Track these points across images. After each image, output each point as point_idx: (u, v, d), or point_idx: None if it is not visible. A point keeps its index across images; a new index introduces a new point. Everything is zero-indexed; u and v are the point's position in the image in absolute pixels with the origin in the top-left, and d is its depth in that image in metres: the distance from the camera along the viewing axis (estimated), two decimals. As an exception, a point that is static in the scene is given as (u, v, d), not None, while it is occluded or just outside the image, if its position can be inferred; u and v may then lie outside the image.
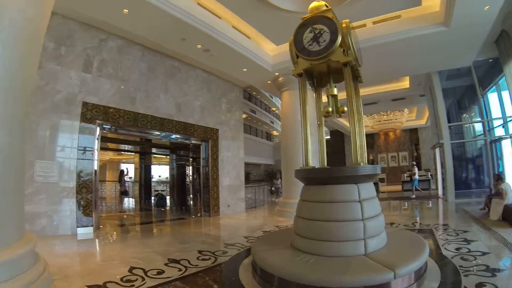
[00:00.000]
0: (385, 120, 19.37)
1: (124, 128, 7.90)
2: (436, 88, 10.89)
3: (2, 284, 2.25)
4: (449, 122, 11.15)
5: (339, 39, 4.11)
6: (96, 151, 7.03)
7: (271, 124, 25.50)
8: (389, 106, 16.72)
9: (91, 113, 7.02)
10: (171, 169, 12.05)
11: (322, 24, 4.33)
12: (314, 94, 5.26)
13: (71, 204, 6.45)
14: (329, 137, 25.42)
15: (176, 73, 9.34)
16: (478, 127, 11.70)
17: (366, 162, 4.37)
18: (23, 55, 2.92)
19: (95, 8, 6.42)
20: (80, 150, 6.72)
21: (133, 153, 13.77)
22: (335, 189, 3.70)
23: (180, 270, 3.97)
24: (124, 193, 10.97)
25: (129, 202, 12.48)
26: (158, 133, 8.89)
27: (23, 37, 2.87)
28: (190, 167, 11.03)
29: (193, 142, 10.09)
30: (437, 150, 12.83)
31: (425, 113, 18.65)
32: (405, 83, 13.37)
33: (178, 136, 9.41)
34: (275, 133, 27.45)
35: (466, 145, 11.87)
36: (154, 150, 12.94)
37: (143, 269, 3.97)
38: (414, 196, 13.23)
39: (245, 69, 9.81)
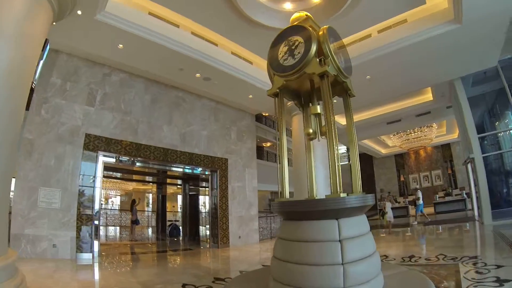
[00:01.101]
0: (414, 138, 17.79)
1: (126, 158, 7.81)
2: (460, 96, 9.49)
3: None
4: (482, 132, 9.63)
5: (313, 48, 3.57)
6: (98, 180, 6.99)
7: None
8: (414, 123, 15.16)
9: (93, 144, 7.03)
10: (183, 200, 11.81)
11: (297, 35, 3.85)
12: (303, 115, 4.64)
13: (71, 230, 6.39)
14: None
15: (181, 103, 9.21)
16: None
17: (361, 190, 3.63)
18: (14, 88, 3.48)
19: (93, 45, 6.57)
20: (81, 179, 6.71)
21: (151, 183, 13.79)
22: (309, 225, 2.99)
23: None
24: (135, 222, 10.82)
25: (147, 232, 12.30)
26: (161, 163, 8.70)
27: (12, 72, 3.43)
28: (200, 198, 10.67)
29: (201, 172, 9.78)
30: (469, 166, 11.22)
31: (455, 126, 16.84)
32: (428, 96, 11.97)
33: (181, 166, 9.16)
34: None
35: (504, 156, 10.05)
36: (168, 180, 12.84)
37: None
38: (416, 222, 12.04)
39: (250, 96, 9.48)
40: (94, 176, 6.92)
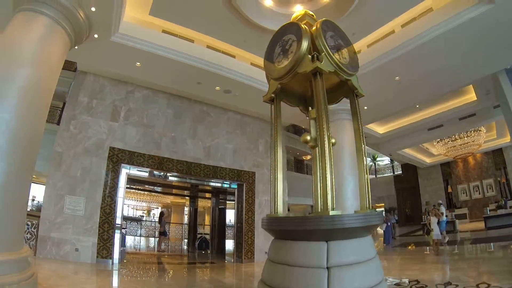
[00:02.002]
0: (460, 145, 15.70)
1: (148, 171, 7.91)
2: (507, 92, 7.91)
3: (7, 276, 3.21)
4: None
5: (304, 44, 3.13)
6: (120, 191, 7.19)
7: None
8: (458, 127, 13.14)
9: (117, 157, 7.22)
10: (212, 213, 11.69)
11: (290, 33, 3.46)
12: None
13: (93, 236, 6.59)
14: (400, 172, 22.04)
15: (206, 117, 9.14)
16: None
17: (370, 206, 3.03)
18: (33, 110, 3.95)
19: (114, 64, 6.81)
20: (105, 189, 6.93)
21: (186, 197, 13.96)
22: (294, 247, 2.51)
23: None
24: (162, 234, 10.91)
25: (180, 244, 12.35)
26: (182, 176, 8.65)
27: (33, 95, 3.95)
28: (227, 211, 10.42)
29: (227, 186, 9.56)
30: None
31: (506, 127, 14.32)
32: (471, 95, 10.29)
33: (206, 180, 9.01)
34: None
35: None
36: (199, 194, 12.86)
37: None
38: (446, 240, 10.04)
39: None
40: (117, 187, 7.10)
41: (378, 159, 24.98)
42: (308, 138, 3.45)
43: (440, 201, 13.61)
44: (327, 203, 2.57)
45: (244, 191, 9.38)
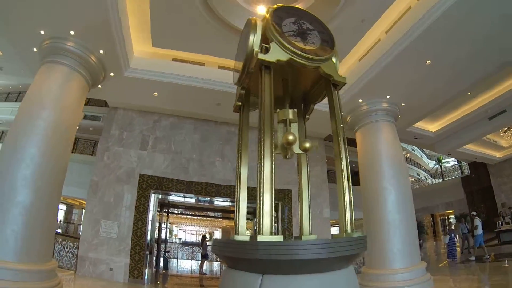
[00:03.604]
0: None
1: (176, 195, 8.20)
2: None
3: (38, 283, 4.01)
4: None
5: (251, 38, 2.80)
6: (150, 214, 7.60)
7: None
8: None
9: (146, 183, 7.62)
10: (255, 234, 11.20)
11: (246, 31, 3.20)
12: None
13: (125, 257, 7.04)
14: (468, 172, 18.34)
15: (233, 137, 9.03)
16: None
17: (350, 229, 2.32)
18: (57, 144, 4.70)
19: (134, 97, 7.33)
20: (136, 213, 7.36)
21: (220, 219, 13.98)
22: (230, 277, 2.09)
23: None
24: (204, 257, 10.99)
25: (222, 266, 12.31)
26: (210, 199, 8.63)
27: (56, 133, 4.67)
28: None
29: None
30: None
31: None
32: None
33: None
34: (409, 178, 22.35)
35: None
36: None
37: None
38: (473, 257, 9.26)
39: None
40: (147, 211, 7.47)
41: (443, 160, 21.54)
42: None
43: (475, 212, 11.20)
44: (261, 224, 2.06)
45: (280, 210, 8.90)
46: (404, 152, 22.65)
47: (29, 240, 4.06)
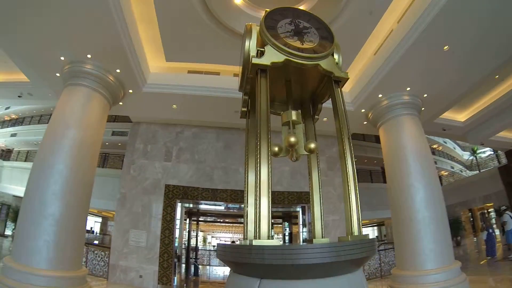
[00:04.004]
0: None
1: (203, 203, 8.35)
2: None
3: None
4: None
5: (247, 43, 2.84)
6: (177, 223, 7.88)
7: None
8: None
9: (172, 193, 7.87)
10: (283, 238, 11.22)
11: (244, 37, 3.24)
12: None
13: (154, 264, 7.32)
14: (506, 161, 16.63)
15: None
16: None
17: (357, 231, 2.15)
18: (82, 161, 5.08)
19: (155, 110, 7.60)
20: (163, 223, 7.63)
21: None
22: (230, 282, 2.11)
23: None
24: None
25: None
26: (240, 205, 8.67)
27: (81, 149, 5.07)
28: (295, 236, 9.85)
29: (290, 210, 9.16)
30: None
31: None
32: None
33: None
34: (443, 172, 20.91)
35: None
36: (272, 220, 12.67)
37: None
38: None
39: (325, 118, 8.34)
40: (174, 220, 7.71)
41: (478, 151, 19.93)
42: (277, 149, 2.97)
43: (504, 206, 10.75)
44: (259, 229, 2.04)
45: (307, 213, 8.75)
46: (435, 145, 21.30)
47: (60, 249, 4.38)
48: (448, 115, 7.98)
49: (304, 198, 8.81)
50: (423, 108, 6.60)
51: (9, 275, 4.02)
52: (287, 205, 8.82)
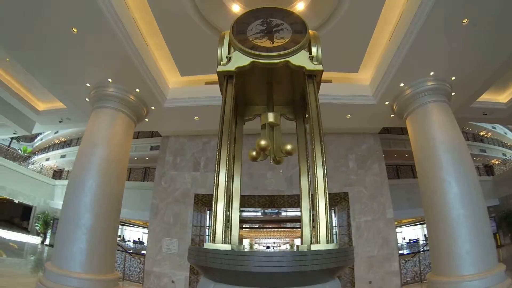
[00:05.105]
0: None
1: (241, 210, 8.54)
2: None
3: None
4: None
5: (219, 52, 2.92)
6: (207, 231, 8.11)
7: (483, 153, 18.03)
8: None
9: (201, 202, 8.19)
10: None
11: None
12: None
13: (186, 270, 7.58)
14: None
15: None
16: None
17: (327, 239, 1.97)
18: (111, 176, 5.62)
19: (180, 124, 8.02)
20: (193, 230, 7.95)
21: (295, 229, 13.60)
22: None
23: None
24: None
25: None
26: (277, 210, 8.77)
27: (109, 166, 5.61)
28: None
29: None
30: None
31: None
32: None
33: (292, 210, 8.75)
34: (495, 161, 18.15)
35: None
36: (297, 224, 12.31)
37: None
38: None
39: (348, 115, 7.96)
40: (204, 228, 8.01)
41: None
42: (254, 153, 3.00)
43: None
44: (214, 233, 2.07)
45: (337, 215, 8.37)
46: (483, 132, 18.60)
47: (91, 255, 4.87)
48: (487, 97, 6.97)
49: (333, 200, 8.46)
50: (453, 93, 5.89)
51: (49, 277, 4.63)
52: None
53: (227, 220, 2.64)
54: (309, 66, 2.84)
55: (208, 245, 2.01)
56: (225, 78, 2.82)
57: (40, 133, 22.71)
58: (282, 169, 8.70)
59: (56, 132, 21.28)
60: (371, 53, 6.23)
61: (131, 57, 5.21)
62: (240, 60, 2.78)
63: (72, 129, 18.32)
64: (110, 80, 5.77)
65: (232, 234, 2.72)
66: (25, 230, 16.36)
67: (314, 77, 2.87)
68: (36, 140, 24.64)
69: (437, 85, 5.69)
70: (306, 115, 3.42)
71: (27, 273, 7.49)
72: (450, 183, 5.04)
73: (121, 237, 21.87)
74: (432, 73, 5.59)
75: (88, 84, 5.83)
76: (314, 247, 2.03)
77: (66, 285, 4.54)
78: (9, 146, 20.04)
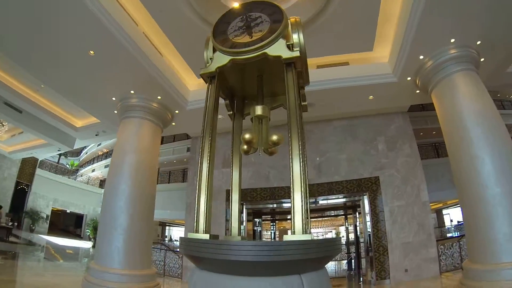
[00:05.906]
0: None
1: (261, 203, 8.69)
2: None
3: (138, 284, 5.34)
4: None
5: (205, 54, 3.08)
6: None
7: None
8: None
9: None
10: (346, 230, 10.80)
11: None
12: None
13: None
14: None
15: (310, 136, 8.79)
16: None
17: (305, 230, 2.06)
18: (141, 179, 6.15)
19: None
20: (227, 225, 8.19)
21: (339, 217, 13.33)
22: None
23: None
24: None
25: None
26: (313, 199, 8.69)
27: (139, 170, 6.13)
28: (358, 227, 9.25)
29: (348, 200, 8.66)
30: None
31: None
32: None
33: (323, 198, 8.64)
34: None
35: None
36: (334, 213, 12.02)
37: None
38: None
39: (371, 96, 7.57)
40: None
41: None
42: (245, 147, 3.08)
43: None
44: (198, 223, 2.22)
45: (369, 201, 8.03)
46: None
47: (128, 253, 5.40)
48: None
49: (364, 186, 8.15)
50: (482, 59, 5.25)
51: (93, 274, 5.26)
52: (348, 195, 8.30)
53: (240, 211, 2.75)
54: (286, 54, 2.79)
55: (191, 235, 2.14)
56: (209, 79, 2.90)
57: (85, 147, 24.83)
58: (310, 158, 8.57)
59: (99, 144, 22.92)
60: (384, 28, 5.84)
61: (147, 69, 5.60)
62: (221, 59, 2.84)
63: (113, 140, 20.05)
64: (132, 92, 6.26)
65: (232, 226, 2.83)
66: (78, 236, 18.45)
67: (294, 64, 2.82)
68: (81, 154, 27.21)
69: (460, 52, 5.13)
70: (304, 102, 3.40)
71: (81, 273, 8.60)
72: (483, 159, 4.54)
73: (169, 237, 23.44)
74: (453, 40, 5.05)
75: (114, 98, 6.40)
76: (287, 237, 2.07)
77: (107, 280, 5.09)
78: (58, 162, 22.38)
